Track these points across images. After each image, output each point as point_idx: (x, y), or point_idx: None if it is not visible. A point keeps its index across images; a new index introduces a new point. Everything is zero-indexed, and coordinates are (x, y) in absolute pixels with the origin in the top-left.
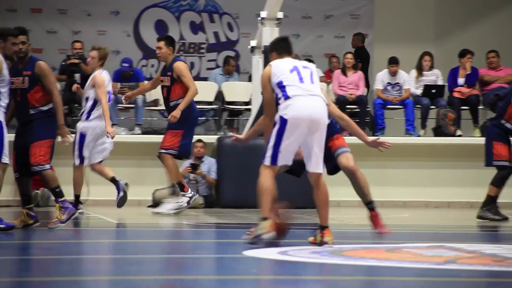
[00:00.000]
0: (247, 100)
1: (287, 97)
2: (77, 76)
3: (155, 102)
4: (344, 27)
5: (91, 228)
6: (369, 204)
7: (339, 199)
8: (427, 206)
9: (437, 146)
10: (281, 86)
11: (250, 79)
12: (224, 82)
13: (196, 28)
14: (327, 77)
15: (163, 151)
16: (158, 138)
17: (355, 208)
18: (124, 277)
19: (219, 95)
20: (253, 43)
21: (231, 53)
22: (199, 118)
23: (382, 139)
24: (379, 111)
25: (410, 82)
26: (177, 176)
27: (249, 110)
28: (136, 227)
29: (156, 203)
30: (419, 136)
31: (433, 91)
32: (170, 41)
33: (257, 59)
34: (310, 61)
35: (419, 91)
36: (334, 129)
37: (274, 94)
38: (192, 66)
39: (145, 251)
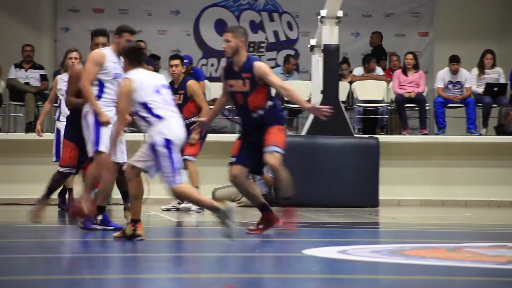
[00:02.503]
0: (306, 99)
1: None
2: None
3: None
4: (404, 25)
5: (151, 227)
6: (284, 199)
7: (399, 198)
8: (489, 205)
9: (499, 145)
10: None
11: (309, 78)
12: (284, 81)
13: (256, 27)
14: (387, 76)
15: (191, 158)
16: (218, 137)
17: (415, 207)
18: (185, 275)
19: (279, 94)
20: (312, 42)
21: (291, 52)
22: None
23: (443, 137)
24: (440, 110)
25: (472, 81)
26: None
27: None
28: (195, 226)
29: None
30: (480, 135)
31: (495, 89)
32: (182, 60)
33: (317, 58)
34: (368, 59)
35: (480, 90)
36: (275, 116)
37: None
38: None
39: (204, 249)
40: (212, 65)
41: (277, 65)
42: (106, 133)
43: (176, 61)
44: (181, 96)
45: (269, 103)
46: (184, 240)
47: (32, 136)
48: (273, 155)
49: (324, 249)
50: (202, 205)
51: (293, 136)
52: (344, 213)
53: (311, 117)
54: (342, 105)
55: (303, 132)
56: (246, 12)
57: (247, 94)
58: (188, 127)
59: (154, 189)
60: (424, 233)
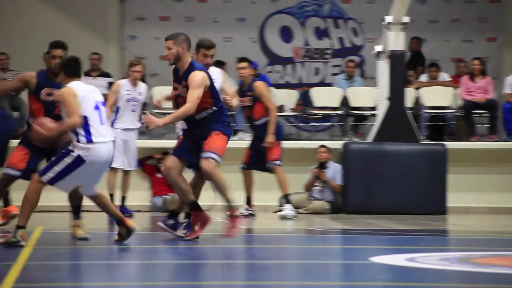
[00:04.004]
0: (372, 105)
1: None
2: None
3: (280, 108)
4: (471, 31)
5: (217, 234)
6: (229, 205)
7: (468, 205)
8: None
9: None
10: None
11: (375, 84)
12: (349, 88)
13: (321, 33)
14: (454, 82)
15: (276, 163)
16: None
17: (484, 215)
18: (254, 283)
19: (344, 101)
20: (378, 48)
21: (356, 59)
22: (324, 124)
23: None
24: (509, 116)
25: None
26: (287, 188)
27: (374, 115)
28: (263, 233)
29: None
30: None
31: None
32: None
33: (383, 64)
34: (434, 65)
35: None
36: (219, 121)
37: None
38: (316, 71)
39: (272, 256)
40: (278, 72)
41: (342, 72)
42: None
43: (244, 64)
44: (250, 98)
45: (213, 108)
46: (254, 248)
47: None
48: (208, 161)
49: (392, 256)
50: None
51: (359, 143)
52: (412, 220)
53: (377, 123)
54: (409, 112)
55: (370, 139)
56: (311, 19)
57: (185, 99)
58: (259, 128)
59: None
60: (494, 241)
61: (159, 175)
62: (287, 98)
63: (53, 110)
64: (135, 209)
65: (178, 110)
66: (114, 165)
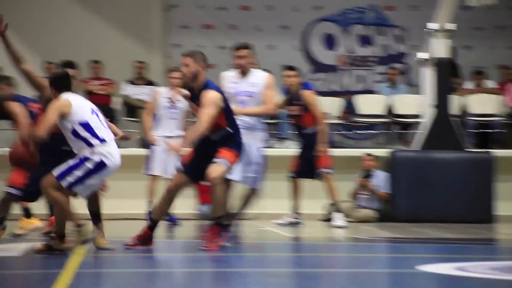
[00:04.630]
0: (416, 113)
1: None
2: None
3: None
4: None
5: (265, 242)
6: (216, 219)
7: None
8: None
9: None
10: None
11: (419, 92)
12: (393, 95)
13: (364, 41)
14: (500, 89)
15: (326, 171)
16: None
17: None
18: None
19: (389, 108)
20: (422, 55)
21: (400, 66)
22: (369, 131)
23: None
24: None
25: None
26: (337, 196)
27: (419, 123)
28: (310, 241)
29: (328, 217)
30: None
31: None
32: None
33: (427, 72)
34: (480, 72)
35: None
36: (231, 141)
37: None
38: (360, 79)
39: (320, 265)
40: (321, 79)
41: (386, 79)
42: None
43: (292, 72)
44: (299, 107)
45: (228, 130)
46: (301, 256)
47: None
48: (217, 165)
49: (440, 265)
50: (68, 217)
51: (406, 151)
52: (459, 228)
53: (423, 131)
54: (455, 119)
55: (416, 147)
56: (354, 26)
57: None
58: (309, 137)
59: (267, 205)
60: None
61: (206, 183)
62: (331, 106)
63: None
64: (181, 217)
65: (192, 130)
66: (155, 173)
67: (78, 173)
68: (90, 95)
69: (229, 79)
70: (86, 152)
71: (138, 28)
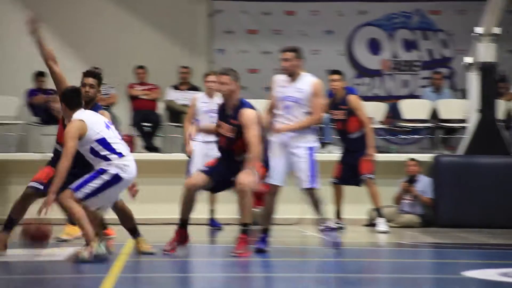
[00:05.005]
0: (462, 117)
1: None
2: None
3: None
4: None
5: (309, 247)
6: (243, 226)
7: None
8: None
9: None
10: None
11: (464, 96)
12: (438, 100)
13: (410, 45)
14: None
15: (369, 176)
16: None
17: None
18: None
19: (433, 113)
20: (468, 59)
21: (444, 71)
22: (413, 136)
23: None
24: None
25: None
26: (380, 201)
27: (464, 128)
28: (353, 246)
29: (371, 223)
30: None
31: None
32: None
33: (473, 76)
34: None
35: None
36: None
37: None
38: (405, 84)
39: (363, 270)
40: (365, 84)
41: (431, 84)
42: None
43: (337, 76)
44: (344, 111)
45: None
46: (345, 261)
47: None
48: (248, 173)
49: (485, 271)
50: (83, 232)
51: (450, 155)
52: (504, 234)
53: (468, 136)
54: (500, 124)
55: (461, 152)
56: (399, 31)
57: (232, 140)
58: (353, 142)
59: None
60: None
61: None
62: (376, 111)
63: None
64: (224, 222)
65: (251, 160)
66: None
67: (94, 185)
68: (135, 101)
69: (279, 82)
70: (103, 164)
71: (182, 33)
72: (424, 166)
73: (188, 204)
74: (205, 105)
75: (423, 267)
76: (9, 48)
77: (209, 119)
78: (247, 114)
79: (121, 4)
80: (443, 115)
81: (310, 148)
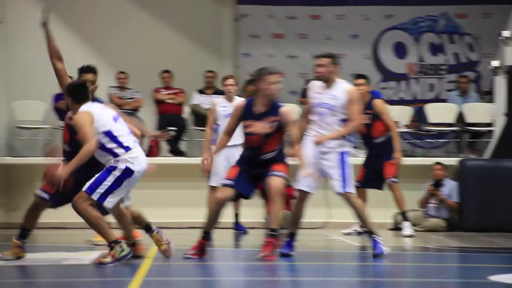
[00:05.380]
0: (488, 121)
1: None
2: None
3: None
4: None
5: (334, 251)
6: (271, 230)
7: None
8: None
9: None
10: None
11: (490, 100)
12: (464, 104)
13: (436, 49)
14: None
15: (393, 180)
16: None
17: None
18: None
19: (460, 117)
20: (495, 63)
21: (471, 74)
22: (439, 140)
23: None
24: None
25: None
26: (404, 205)
27: (490, 131)
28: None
29: (397, 226)
30: None
31: None
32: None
33: (500, 80)
34: None
35: None
36: (278, 159)
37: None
38: (431, 87)
39: (389, 274)
40: (391, 88)
41: (457, 88)
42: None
43: (362, 80)
44: (369, 115)
45: (280, 147)
46: (367, 265)
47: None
48: (278, 178)
49: (510, 275)
50: (102, 236)
51: (476, 159)
52: None
53: (494, 140)
54: None
55: (487, 156)
56: (425, 35)
57: (268, 136)
58: (378, 146)
59: (334, 213)
60: None
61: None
62: (401, 115)
63: (75, 134)
64: (249, 226)
65: (298, 151)
66: (212, 184)
67: (107, 183)
68: (161, 105)
69: (315, 88)
70: (112, 161)
71: (208, 37)
72: (450, 170)
73: (214, 218)
74: (225, 109)
75: (449, 271)
76: (37, 53)
77: None
78: (288, 112)
79: (147, 8)
80: (469, 118)
81: (343, 153)
